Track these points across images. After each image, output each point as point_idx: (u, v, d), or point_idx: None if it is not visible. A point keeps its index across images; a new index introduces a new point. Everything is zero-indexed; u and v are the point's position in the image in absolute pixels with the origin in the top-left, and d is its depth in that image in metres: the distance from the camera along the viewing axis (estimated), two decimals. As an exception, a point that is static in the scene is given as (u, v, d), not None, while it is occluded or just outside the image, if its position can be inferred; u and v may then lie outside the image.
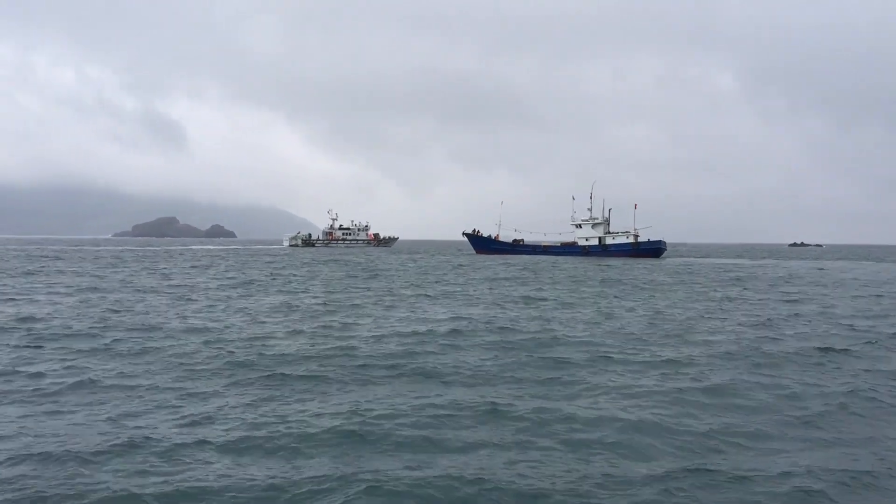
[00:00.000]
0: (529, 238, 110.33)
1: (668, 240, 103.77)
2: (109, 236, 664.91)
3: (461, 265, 70.07)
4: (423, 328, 21.26)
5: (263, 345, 17.93)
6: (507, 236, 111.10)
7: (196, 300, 29.49)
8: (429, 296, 33.33)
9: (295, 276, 48.86)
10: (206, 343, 18.08)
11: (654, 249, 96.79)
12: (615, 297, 33.52)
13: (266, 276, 47.94)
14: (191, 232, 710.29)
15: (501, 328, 21.47)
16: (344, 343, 18.29)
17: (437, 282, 44.21)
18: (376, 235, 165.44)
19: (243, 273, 50.89)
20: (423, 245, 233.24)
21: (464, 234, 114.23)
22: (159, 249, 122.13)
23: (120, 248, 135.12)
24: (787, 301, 32.05)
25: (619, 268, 65.71)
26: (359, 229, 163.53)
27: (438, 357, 16.51)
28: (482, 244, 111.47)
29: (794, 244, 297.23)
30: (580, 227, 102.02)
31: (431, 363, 15.67)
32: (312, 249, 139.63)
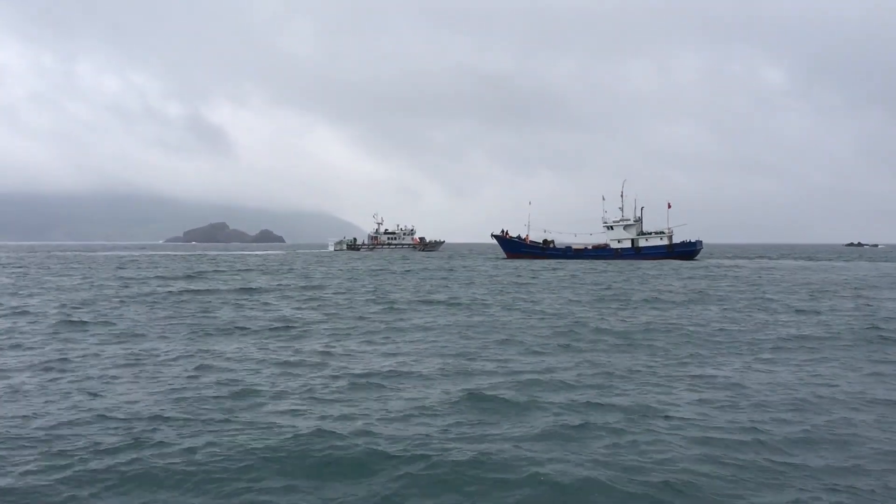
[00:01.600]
0: (560, 239, 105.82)
1: (714, 241, 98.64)
2: (161, 242, 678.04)
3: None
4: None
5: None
6: (536, 237, 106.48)
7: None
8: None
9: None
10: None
11: (689, 251, 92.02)
12: None
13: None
14: (240, 237, 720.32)
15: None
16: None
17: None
18: (422, 239, 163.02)
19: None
20: (468, 248, 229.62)
21: (492, 235, 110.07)
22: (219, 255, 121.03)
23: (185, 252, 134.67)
24: None
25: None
26: (404, 233, 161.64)
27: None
28: (512, 247, 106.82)
29: (851, 244, 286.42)
30: (612, 228, 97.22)
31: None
32: (357, 253, 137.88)
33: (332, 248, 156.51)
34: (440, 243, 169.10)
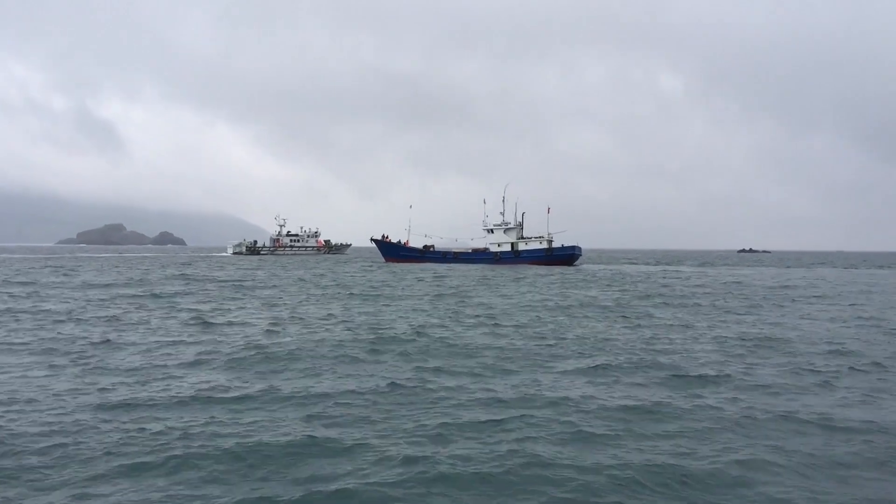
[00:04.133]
0: (440, 244, 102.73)
1: (615, 246, 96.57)
2: (53, 244, 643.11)
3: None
4: None
5: None
6: (418, 242, 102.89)
7: None
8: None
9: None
10: None
11: (567, 255, 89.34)
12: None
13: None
14: (138, 239, 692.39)
15: None
16: None
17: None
18: (327, 242, 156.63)
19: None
20: (376, 252, 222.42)
21: (372, 239, 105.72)
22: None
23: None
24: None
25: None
26: (308, 236, 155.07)
27: None
28: (391, 251, 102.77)
29: (743, 250, 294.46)
30: (492, 231, 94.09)
31: None
32: (255, 257, 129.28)
33: (230, 252, 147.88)
34: (346, 246, 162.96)
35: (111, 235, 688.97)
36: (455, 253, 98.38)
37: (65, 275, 54.52)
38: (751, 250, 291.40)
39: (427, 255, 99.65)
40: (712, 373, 15.12)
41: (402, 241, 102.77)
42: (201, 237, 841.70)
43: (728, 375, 14.84)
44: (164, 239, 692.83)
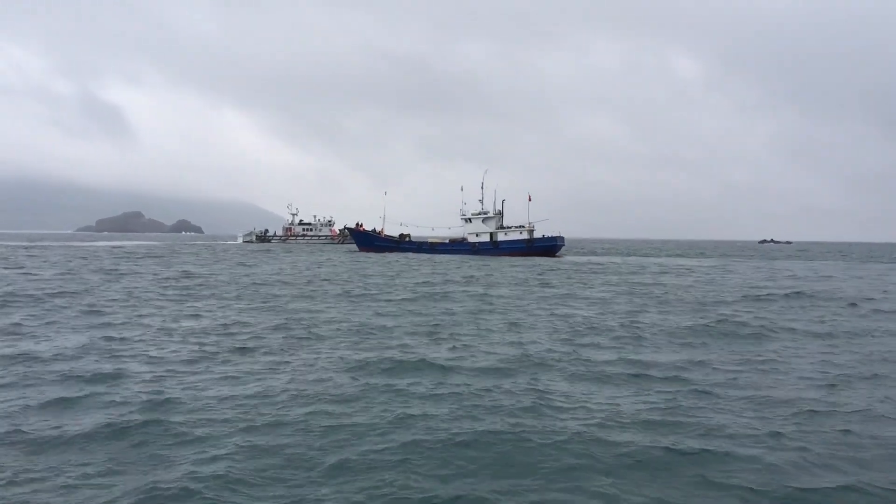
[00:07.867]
0: (416, 233, 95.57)
1: (629, 236, 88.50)
2: (72, 231, 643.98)
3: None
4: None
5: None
6: (392, 230, 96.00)
7: None
8: None
9: None
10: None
11: (548, 247, 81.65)
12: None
13: None
14: (157, 227, 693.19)
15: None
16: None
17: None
18: (341, 231, 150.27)
19: None
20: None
21: (346, 228, 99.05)
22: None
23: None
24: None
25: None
26: (321, 224, 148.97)
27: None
28: (365, 240, 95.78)
29: (764, 241, 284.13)
30: (470, 221, 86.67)
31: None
32: (266, 245, 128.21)
33: (240, 240, 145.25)
34: None
35: (130, 223, 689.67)
36: (431, 243, 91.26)
37: None
38: (772, 241, 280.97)
39: (402, 245, 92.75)
40: None
41: (378, 230, 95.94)
42: (219, 225, 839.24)
43: None
44: (182, 227, 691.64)
